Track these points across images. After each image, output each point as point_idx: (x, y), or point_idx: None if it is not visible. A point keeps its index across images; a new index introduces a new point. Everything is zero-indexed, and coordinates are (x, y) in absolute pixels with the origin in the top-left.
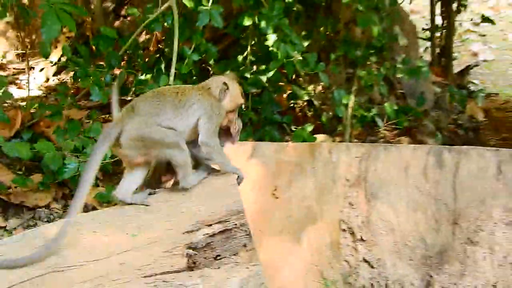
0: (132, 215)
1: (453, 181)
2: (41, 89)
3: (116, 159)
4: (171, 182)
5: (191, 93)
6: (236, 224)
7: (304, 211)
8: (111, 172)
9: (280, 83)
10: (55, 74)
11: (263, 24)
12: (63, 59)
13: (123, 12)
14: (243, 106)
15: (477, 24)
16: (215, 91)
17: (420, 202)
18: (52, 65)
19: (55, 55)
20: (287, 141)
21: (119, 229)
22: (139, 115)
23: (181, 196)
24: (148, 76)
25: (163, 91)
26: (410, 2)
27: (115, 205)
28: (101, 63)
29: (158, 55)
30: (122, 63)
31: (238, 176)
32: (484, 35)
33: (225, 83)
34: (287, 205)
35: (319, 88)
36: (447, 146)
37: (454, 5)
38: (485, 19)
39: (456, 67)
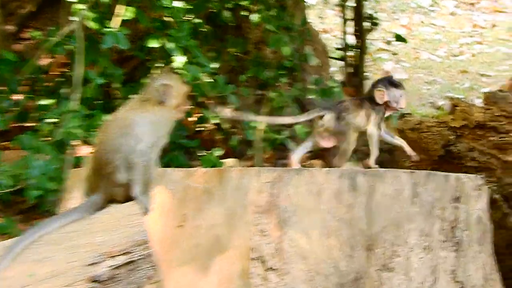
0: (31, 247)
1: (368, 205)
2: None
3: (16, 188)
4: None
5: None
6: (141, 256)
7: (213, 239)
8: (11, 202)
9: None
10: None
11: (170, 45)
12: None
13: (25, 35)
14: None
15: (389, 43)
16: (158, 97)
17: (333, 228)
18: None
19: None
20: (195, 166)
21: (17, 262)
22: None
23: (83, 226)
24: (52, 101)
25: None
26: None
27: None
28: (1, 88)
29: (62, 79)
30: (24, 87)
31: (145, 206)
32: (396, 54)
33: (164, 85)
34: (195, 233)
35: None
36: (361, 168)
37: (366, 24)
38: (398, 37)
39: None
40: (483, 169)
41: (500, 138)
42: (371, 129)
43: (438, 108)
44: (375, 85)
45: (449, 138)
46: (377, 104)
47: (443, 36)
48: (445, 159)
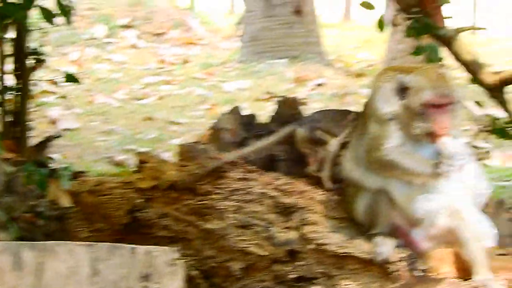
0: None
1: (37, 286)
2: None
3: None
4: None
5: None
6: None
7: None
8: None
9: None
10: None
11: None
12: None
13: None
14: None
15: (56, 84)
16: None
17: None
18: None
19: None
20: None
21: None
22: None
23: None
24: None
25: None
26: None
27: None
28: None
29: None
30: None
31: None
32: (65, 97)
33: None
34: None
35: None
36: (26, 241)
37: (30, 61)
38: (69, 77)
39: (34, 139)
40: (178, 239)
41: (198, 201)
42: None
43: (119, 164)
44: None
45: (136, 202)
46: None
47: (123, 75)
48: (132, 228)
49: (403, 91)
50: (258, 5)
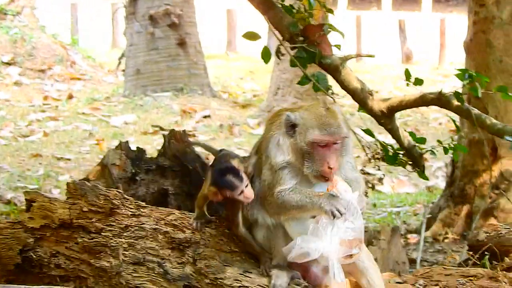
0: None
1: None
2: None
3: None
4: None
5: None
6: None
7: None
8: None
9: None
10: None
11: None
12: None
13: None
14: None
15: None
16: None
17: None
18: None
19: None
20: None
21: None
22: None
23: None
24: None
25: None
26: None
27: None
28: None
29: None
30: None
31: None
32: None
33: None
34: None
35: None
36: None
37: None
38: None
39: None
40: (71, 278)
41: (90, 239)
42: None
43: (8, 202)
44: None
45: (26, 242)
46: None
47: (7, 112)
48: (23, 268)
49: (292, 128)
50: (141, 39)
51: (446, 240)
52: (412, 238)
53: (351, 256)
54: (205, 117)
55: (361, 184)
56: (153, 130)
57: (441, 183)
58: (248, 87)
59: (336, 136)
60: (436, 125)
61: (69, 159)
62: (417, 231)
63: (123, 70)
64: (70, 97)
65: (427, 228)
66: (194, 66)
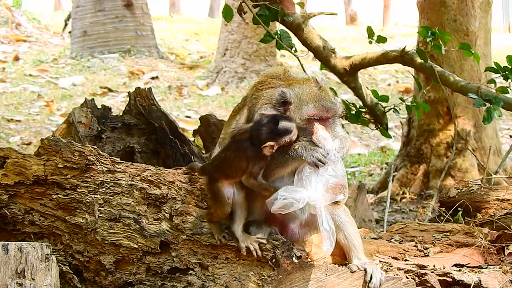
0: None
1: None
2: None
3: None
4: None
5: None
6: None
7: None
8: None
9: None
10: None
11: None
12: None
13: None
14: None
15: None
16: None
17: None
18: None
19: None
20: None
21: None
22: None
23: None
24: None
25: None
26: None
27: None
28: None
29: None
30: None
31: None
32: None
33: None
34: None
35: None
36: None
37: None
38: None
39: None
40: (46, 235)
41: (65, 195)
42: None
43: None
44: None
45: (0, 198)
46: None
47: None
48: None
49: (283, 104)
50: (87, 0)
51: (403, 200)
52: (369, 198)
53: (337, 203)
54: (153, 78)
55: (348, 140)
56: (102, 92)
57: (394, 144)
58: (193, 48)
59: (332, 111)
60: (385, 86)
61: (19, 121)
62: (373, 191)
63: (70, 32)
64: (16, 58)
65: (383, 188)
66: (141, 28)
